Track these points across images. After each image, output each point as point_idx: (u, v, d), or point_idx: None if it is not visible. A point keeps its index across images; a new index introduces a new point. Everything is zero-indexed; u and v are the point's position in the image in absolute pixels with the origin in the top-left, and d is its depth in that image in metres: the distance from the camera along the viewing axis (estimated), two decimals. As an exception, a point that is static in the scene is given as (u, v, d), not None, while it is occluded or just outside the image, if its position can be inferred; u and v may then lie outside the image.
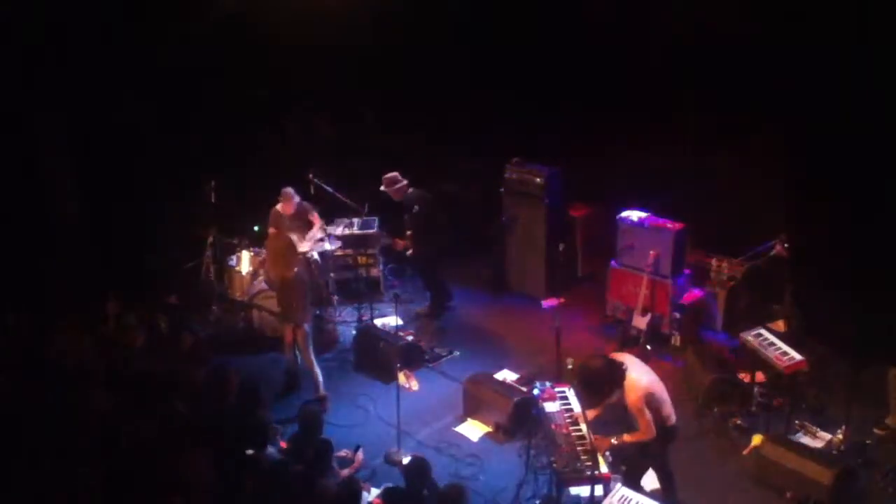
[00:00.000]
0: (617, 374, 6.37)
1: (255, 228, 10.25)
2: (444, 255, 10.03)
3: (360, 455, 7.28)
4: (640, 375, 6.45)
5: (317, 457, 6.55)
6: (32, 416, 7.11)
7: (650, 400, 6.40)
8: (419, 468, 6.28)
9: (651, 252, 9.16)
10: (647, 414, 6.37)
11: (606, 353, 6.79)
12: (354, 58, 10.95)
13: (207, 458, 6.46)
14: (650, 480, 7.05)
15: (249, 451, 6.51)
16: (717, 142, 9.51)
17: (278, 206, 9.85)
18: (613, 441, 6.52)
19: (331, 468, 6.70)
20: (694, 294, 9.35)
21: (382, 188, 9.64)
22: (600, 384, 6.45)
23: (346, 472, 6.97)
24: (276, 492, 6.33)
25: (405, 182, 9.63)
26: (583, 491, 6.33)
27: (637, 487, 6.56)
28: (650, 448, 6.58)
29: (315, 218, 10.00)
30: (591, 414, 6.77)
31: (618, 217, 9.58)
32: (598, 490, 6.19)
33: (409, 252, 9.92)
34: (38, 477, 6.43)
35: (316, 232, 9.94)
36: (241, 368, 7.92)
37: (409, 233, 9.82)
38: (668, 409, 6.52)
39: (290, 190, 9.77)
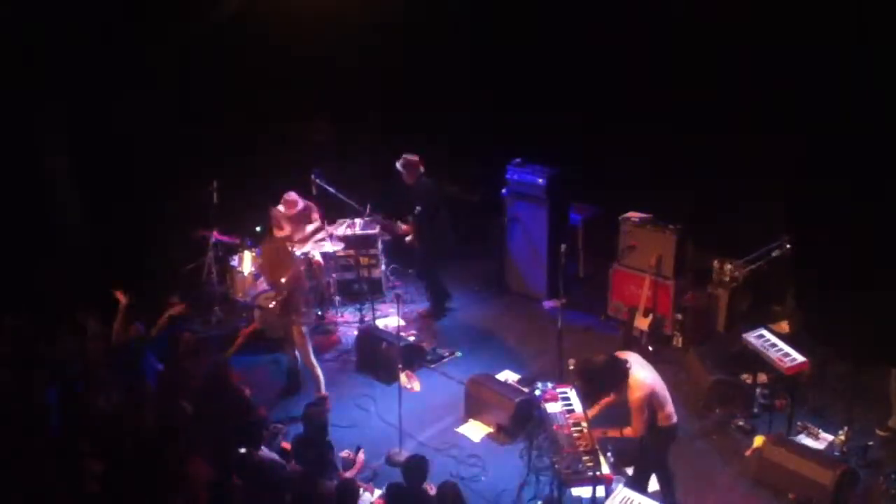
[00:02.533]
0: (619, 371, 6.39)
1: (258, 229, 10.24)
2: (443, 255, 10.01)
3: (361, 456, 7.28)
4: (644, 375, 6.47)
5: (318, 458, 6.54)
6: (33, 416, 7.11)
7: (652, 400, 6.42)
8: (418, 466, 6.29)
9: (653, 253, 9.15)
10: (645, 414, 6.38)
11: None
12: (355, 58, 10.95)
13: (206, 458, 6.45)
14: (653, 482, 7.05)
15: (242, 450, 6.51)
16: (718, 143, 9.50)
17: (280, 207, 9.87)
18: (600, 434, 6.52)
19: (333, 469, 6.69)
20: (696, 295, 9.34)
21: (398, 166, 9.59)
22: (601, 381, 6.48)
23: (349, 473, 6.97)
24: (274, 492, 6.34)
25: (422, 170, 9.60)
26: (584, 492, 6.32)
27: (644, 489, 6.55)
28: (651, 449, 6.58)
29: (317, 217, 10.02)
30: (590, 412, 6.77)
31: (620, 218, 9.57)
32: (600, 491, 6.19)
33: (409, 239, 9.87)
34: (38, 476, 6.42)
35: (316, 231, 9.94)
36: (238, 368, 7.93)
37: (411, 220, 9.80)
38: (670, 408, 6.53)
39: (293, 195, 9.79)
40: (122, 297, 7.95)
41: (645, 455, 6.66)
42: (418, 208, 9.60)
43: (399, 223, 9.97)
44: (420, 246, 9.83)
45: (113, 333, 7.87)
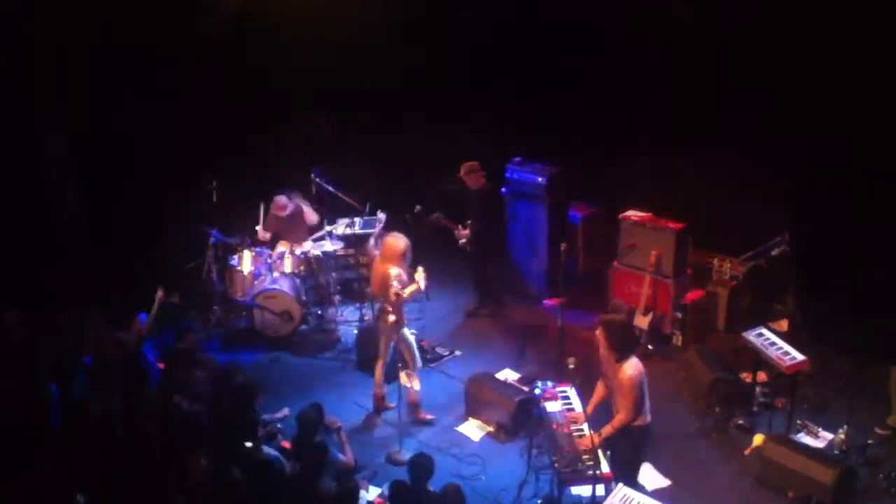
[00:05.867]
0: (632, 337, 6.39)
1: (258, 227, 10.25)
2: (491, 252, 10.00)
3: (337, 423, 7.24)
4: (637, 361, 6.50)
5: (315, 459, 6.55)
6: (33, 415, 7.11)
7: (643, 384, 6.42)
8: (424, 464, 6.30)
9: (653, 252, 9.15)
10: (636, 394, 6.36)
11: None
12: (355, 57, 10.95)
13: (207, 457, 6.46)
14: (653, 480, 7.06)
15: (248, 444, 6.53)
16: (718, 141, 9.50)
17: (272, 209, 9.94)
18: (597, 437, 6.42)
19: (329, 468, 6.68)
20: (696, 294, 9.34)
21: (461, 174, 9.62)
22: (619, 337, 6.49)
23: (349, 455, 6.96)
24: (273, 491, 6.35)
25: (483, 174, 9.60)
26: (584, 491, 6.33)
27: (636, 485, 6.55)
28: (624, 450, 6.57)
29: (309, 217, 10.08)
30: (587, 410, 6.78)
31: (619, 216, 9.57)
32: (600, 490, 6.20)
33: (463, 241, 9.81)
34: (38, 476, 6.43)
35: (313, 219, 10.05)
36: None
37: (469, 221, 9.79)
38: (647, 407, 6.51)
39: (282, 199, 9.86)
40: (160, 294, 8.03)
41: (624, 459, 6.60)
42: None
43: (459, 227, 9.84)
44: (475, 247, 9.78)
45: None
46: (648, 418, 6.53)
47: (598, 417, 6.76)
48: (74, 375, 7.65)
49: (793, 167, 9.08)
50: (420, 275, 7.92)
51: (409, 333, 8.20)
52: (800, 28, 8.69)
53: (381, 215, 10.12)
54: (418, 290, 7.97)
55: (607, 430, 6.51)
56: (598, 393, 6.88)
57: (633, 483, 6.56)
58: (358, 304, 10.13)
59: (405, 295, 7.84)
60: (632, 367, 6.40)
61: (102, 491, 6.38)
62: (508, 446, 7.88)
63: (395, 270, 7.84)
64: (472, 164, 9.64)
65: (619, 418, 6.45)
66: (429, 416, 8.26)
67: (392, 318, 7.87)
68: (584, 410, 6.77)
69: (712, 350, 8.79)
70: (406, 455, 7.52)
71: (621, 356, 6.45)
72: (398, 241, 7.98)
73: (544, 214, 10.11)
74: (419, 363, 8.28)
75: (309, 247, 9.93)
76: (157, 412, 7.07)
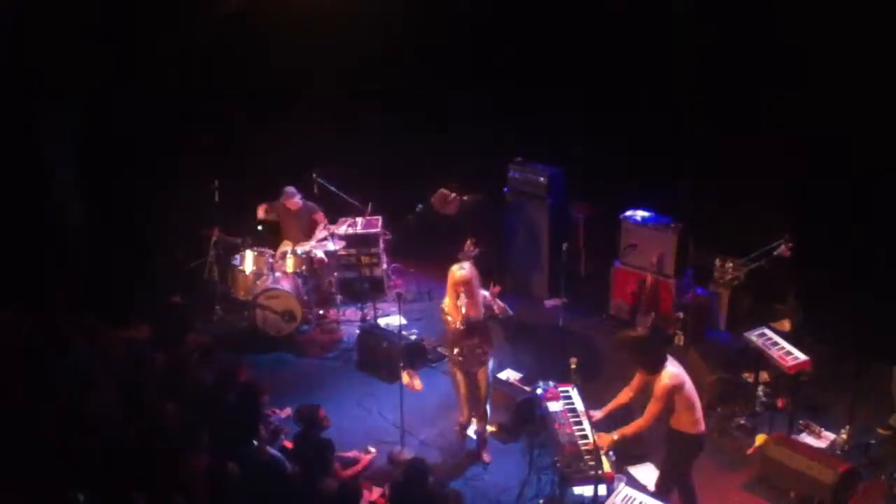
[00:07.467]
0: (663, 341, 6.32)
1: (259, 228, 10.25)
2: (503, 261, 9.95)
3: (366, 458, 7.23)
4: (678, 369, 6.42)
5: (316, 457, 6.55)
6: (33, 416, 7.11)
7: (677, 395, 6.34)
8: (417, 471, 6.28)
9: (654, 251, 9.14)
10: (663, 405, 6.31)
11: None
12: (354, 56, 10.95)
13: (208, 456, 6.46)
14: (655, 480, 7.05)
15: (255, 443, 6.52)
16: (720, 141, 9.50)
17: (282, 200, 9.93)
18: (615, 437, 6.45)
19: (331, 468, 6.69)
20: (697, 294, 9.33)
21: (437, 209, 9.46)
22: (646, 352, 6.45)
23: (348, 472, 6.95)
24: (274, 490, 6.35)
25: (455, 195, 9.47)
26: (586, 490, 6.32)
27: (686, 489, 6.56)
28: (675, 458, 6.57)
29: (320, 217, 10.07)
30: (598, 415, 6.76)
31: (621, 216, 9.57)
32: (602, 489, 6.19)
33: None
34: (38, 477, 6.43)
35: (319, 232, 10.01)
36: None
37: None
38: (699, 414, 6.45)
39: (291, 189, 9.86)
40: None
41: (667, 465, 6.60)
42: (419, 207, 9.58)
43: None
44: (488, 259, 9.64)
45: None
46: (702, 426, 6.46)
47: (604, 423, 6.75)
48: (74, 375, 7.65)
49: (794, 167, 9.09)
50: (462, 300, 7.08)
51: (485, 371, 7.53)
52: (800, 27, 8.71)
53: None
54: (464, 317, 7.12)
55: (625, 431, 6.45)
56: (621, 397, 6.80)
57: (680, 487, 6.57)
58: (359, 304, 10.12)
59: (452, 328, 7.25)
60: (668, 376, 6.32)
61: (102, 491, 6.38)
62: (510, 446, 7.88)
63: (445, 300, 7.30)
64: (440, 195, 9.46)
65: (637, 423, 6.42)
66: (488, 459, 7.77)
67: (455, 350, 7.37)
68: (587, 411, 6.76)
69: (714, 350, 8.78)
70: (407, 455, 7.51)
71: (650, 371, 6.39)
72: (456, 271, 7.17)
73: (545, 214, 10.10)
74: (486, 409, 7.61)
75: (311, 247, 9.93)
76: (156, 413, 7.07)
